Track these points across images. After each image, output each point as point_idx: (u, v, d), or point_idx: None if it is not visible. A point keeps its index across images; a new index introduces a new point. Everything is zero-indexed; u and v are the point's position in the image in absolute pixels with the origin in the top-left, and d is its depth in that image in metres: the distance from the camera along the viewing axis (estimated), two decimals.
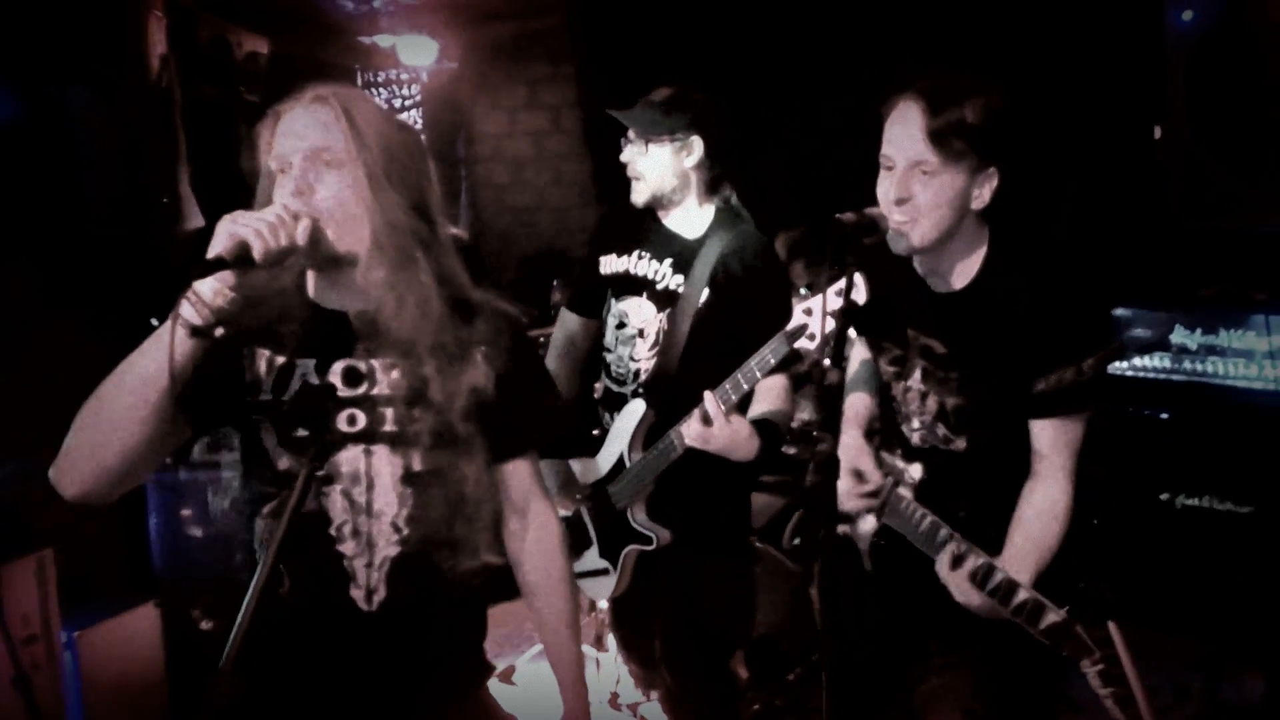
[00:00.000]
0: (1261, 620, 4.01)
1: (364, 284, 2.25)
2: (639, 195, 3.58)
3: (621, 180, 3.68)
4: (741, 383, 3.24)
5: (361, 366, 2.31)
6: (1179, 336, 4.55)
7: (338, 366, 2.30)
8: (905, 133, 2.64)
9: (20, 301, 4.81)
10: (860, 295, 2.62)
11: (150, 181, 5.34)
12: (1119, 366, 4.66)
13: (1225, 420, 4.40)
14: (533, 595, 2.62)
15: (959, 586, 2.65)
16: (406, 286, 2.25)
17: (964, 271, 2.78)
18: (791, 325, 2.85)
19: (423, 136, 5.57)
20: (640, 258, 3.66)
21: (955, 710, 2.89)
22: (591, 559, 3.66)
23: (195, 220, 5.43)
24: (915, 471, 2.91)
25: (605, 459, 3.64)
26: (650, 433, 3.55)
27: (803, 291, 2.85)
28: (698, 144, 3.52)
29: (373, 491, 2.31)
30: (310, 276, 2.32)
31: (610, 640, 4.47)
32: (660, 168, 3.52)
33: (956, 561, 2.65)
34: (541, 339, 4.26)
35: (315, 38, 6.91)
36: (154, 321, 4.60)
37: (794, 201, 5.28)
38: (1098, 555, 4.33)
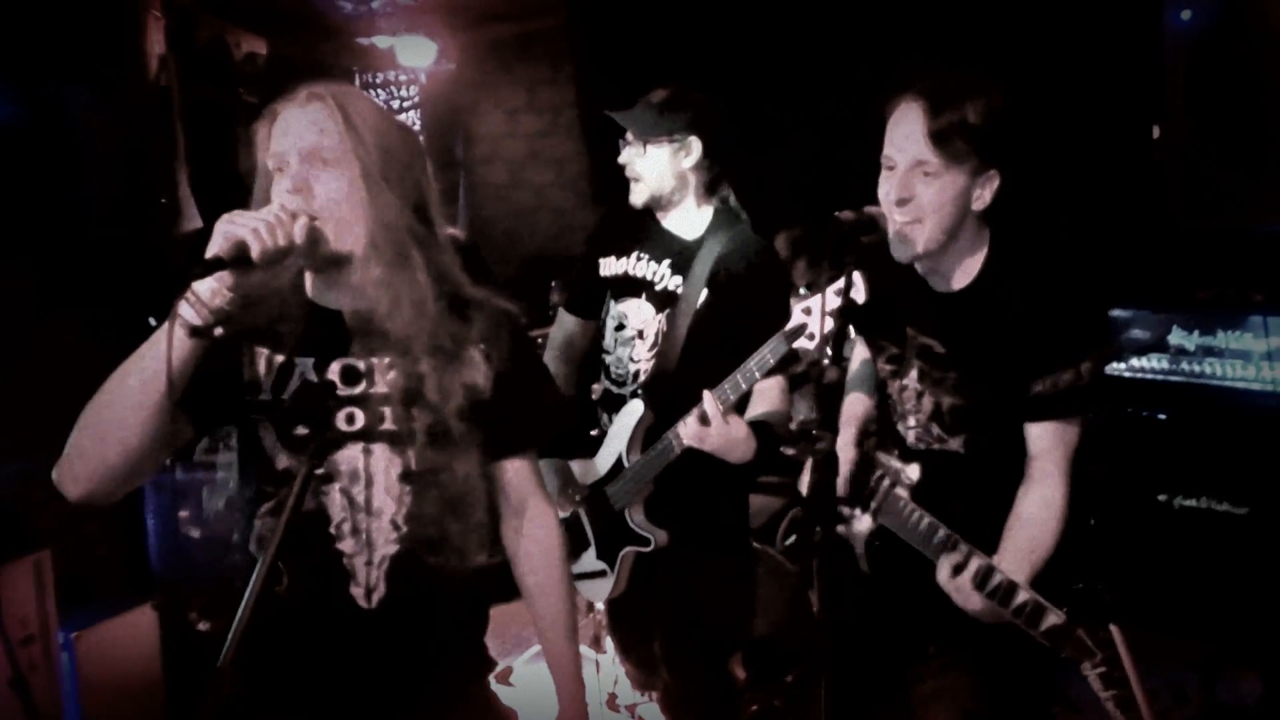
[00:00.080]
0: (1259, 621, 4.01)
1: (360, 283, 2.25)
2: (637, 196, 3.58)
3: (620, 182, 3.67)
4: (741, 383, 3.24)
5: (360, 365, 2.31)
6: (1177, 338, 4.55)
7: (336, 365, 2.30)
8: (907, 133, 2.65)
9: (20, 302, 4.81)
10: (860, 294, 2.62)
11: (149, 182, 5.34)
12: (1117, 367, 4.67)
13: (1223, 421, 4.40)
14: (530, 595, 2.61)
15: (960, 591, 2.65)
16: (402, 285, 2.25)
17: (965, 272, 2.78)
18: (791, 325, 2.86)
19: (421, 138, 5.56)
20: (639, 259, 3.66)
21: (953, 711, 2.89)
22: (589, 560, 3.66)
23: (194, 221, 5.43)
24: (912, 472, 2.90)
25: (603, 460, 3.64)
26: (649, 433, 3.55)
27: (802, 291, 2.86)
28: (696, 145, 3.52)
29: (372, 489, 2.31)
30: (308, 275, 2.32)
31: (608, 641, 4.47)
32: (659, 168, 3.52)
33: (957, 570, 2.65)
34: (540, 339, 4.26)
35: (314, 38, 6.92)
36: (153, 321, 4.61)
37: (793, 201, 5.28)
38: (1095, 556, 4.33)
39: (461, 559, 2.34)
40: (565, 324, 3.91)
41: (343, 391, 2.30)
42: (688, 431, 3.29)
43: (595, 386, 3.84)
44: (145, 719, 4.74)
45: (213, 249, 2.04)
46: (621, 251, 3.70)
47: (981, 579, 2.61)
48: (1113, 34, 4.79)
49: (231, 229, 2.05)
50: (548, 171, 8.21)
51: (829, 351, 2.45)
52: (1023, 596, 2.55)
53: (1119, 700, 2.49)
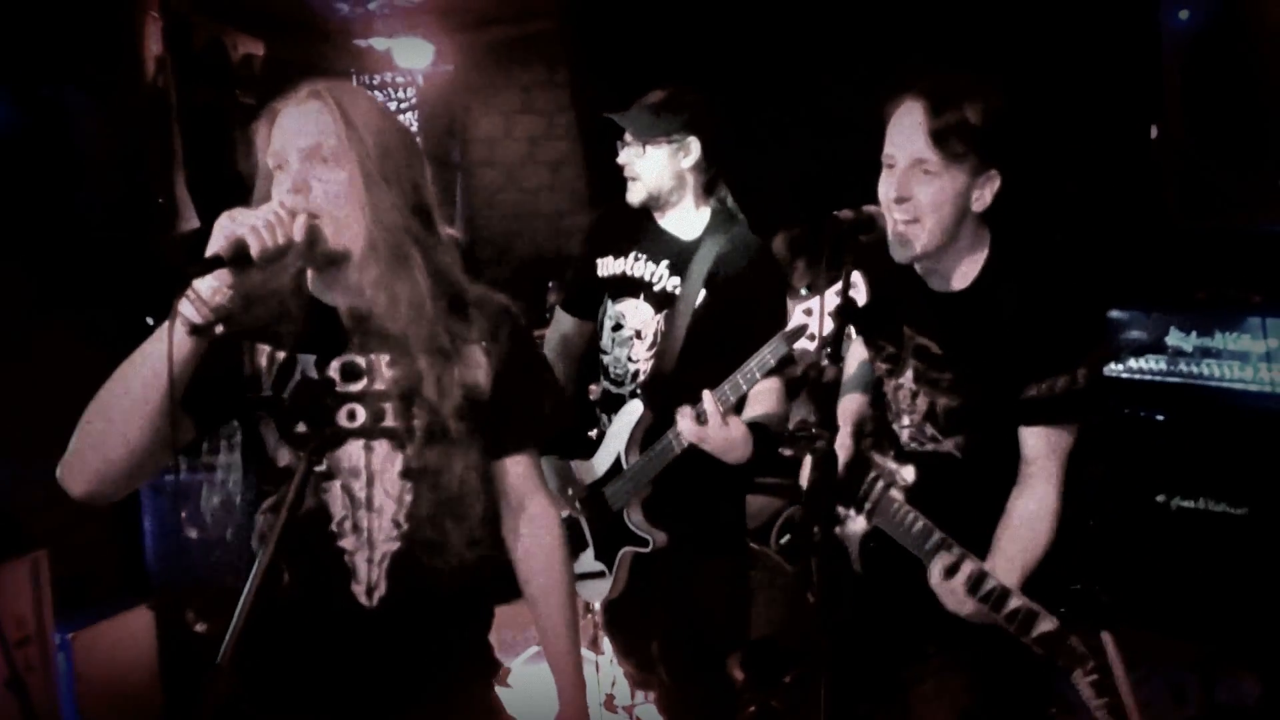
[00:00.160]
0: (1257, 621, 4.01)
1: (358, 281, 2.26)
2: (634, 195, 3.58)
3: (616, 184, 3.67)
4: (741, 383, 3.24)
5: (361, 362, 2.31)
6: (1175, 339, 4.55)
7: (337, 362, 2.31)
8: (907, 132, 2.65)
9: (17, 303, 4.81)
10: (860, 295, 2.62)
11: (146, 183, 5.34)
12: (1115, 368, 4.67)
13: (1221, 422, 4.41)
14: (532, 595, 2.61)
15: (952, 594, 2.64)
16: (400, 284, 2.25)
17: (964, 273, 2.78)
18: (791, 326, 2.86)
19: (418, 139, 5.56)
20: (637, 259, 3.66)
21: (950, 711, 2.89)
22: (587, 561, 3.65)
23: (191, 222, 5.43)
24: (907, 474, 2.90)
25: (602, 460, 3.63)
26: (648, 434, 3.55)
27: (803, 292, 2.86)
28: (695, 145, 3.52)
29: (373, 487, 2.31)
30: (310, 273, 2.32)
31: (605, 642, 4.47)
32: (658, 169, 3.52)
33: (949, 572, 2.64)
34: (537, 339, 4.26)
35: (311, 40, 6.92)
36: (150, 322, 4.61)
37: (790, 202, 5.28)
38: (1094, 557, 4.33)
39: (462, 557, 2.34)
40: (562, 324, 3.90)
41: (343, 388, 2.30)
42: (686, 429, 3.28)
43: (593, 387, 3.83)
44: None
45: (212, 247, 2.04)
46: (619, 252, 3.70)
47: (974, 584, 2.60)
48: (1110, 33, 4.79)
49: (231, 227, 2.05)
50: (544, 173, 8.21)
51: (828, 350, 2.44)
52: (1015, 603, 2.55)
53: (1110, 708, 2.49)
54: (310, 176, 2.20)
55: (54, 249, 4.97)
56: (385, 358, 2.30)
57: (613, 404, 3.67)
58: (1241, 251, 4.48)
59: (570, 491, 3.66)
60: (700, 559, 3.63)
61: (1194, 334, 4.50)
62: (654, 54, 5.85)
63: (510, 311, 2.47)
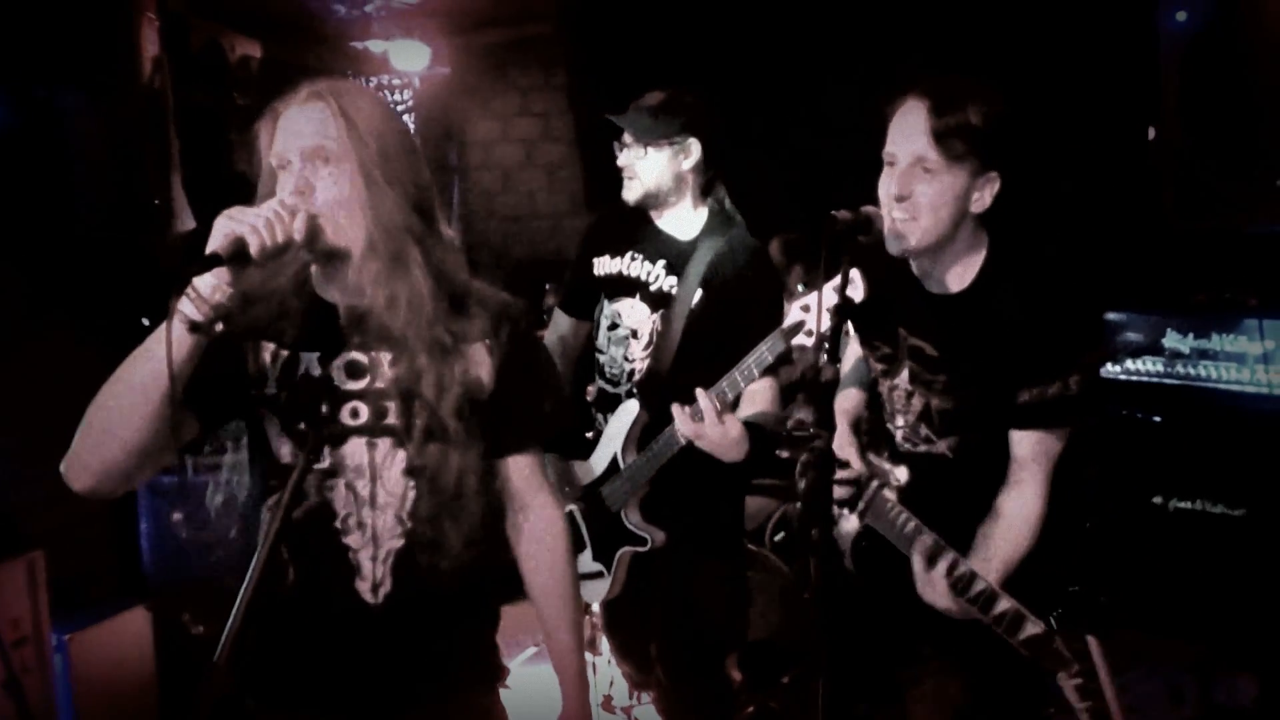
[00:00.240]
0: (1254, 622, 4.01)
1: (357, 279, 2.26)
2: (632, 193, 3.58)
3: (613, 186, 3.68)
4: (739, 380, 3.24)
5: (364, 360, 2.31)
6: (1172, 340, 4.55)
7: (341, 360, 2.31)
8: (909, 130, 2.65)
9: (13, 304, 4.80)
10: (857, 292, 2.62)
11: (142, 184, 5.33)
12: (1112, 370, 4.67)
13: (1218, 424, 4.41)
14: (535, 594, 2.60)
15: (933, 585, 2.65)
16: (399, 282, 2.26)
17: (961, 275, 2.78)
18: (788, 322, 2.86)
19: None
20: (634, 259, 3.66)
21: (948, 712, 2.90)
22: (585, 562, 3.65)
23: (187, 223, 5.42)
24: (900, 474, 2.91)
25: (599, 460, 3.63)
26: (644, 433, 3.55)
27: (799, 289, 2.86)
28: (695, 147, 3.53)
29: (376, 484, 2.31)
30: (314, 270, 2.33)
31: (604, 643, 4.47)
32: (658, 170, 3.53)
33: (930, 560, 2.65)
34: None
35: (308, 43, 6.91)
36: (146, 323, 4.60)
37: (788, 203, 5.28)
38: (1091, 558, 4.33)
39: (465, 555, 2.34)
40: (560, 325, 3.91)
41: (347, 386, 2.31)
42: (683, 426, 3.28)
43: (590, 388, 3.83)
44: None
45: (212, 245, 2.04)
46: (616, 251, 3.70)
47: (964, 584, 2.61)
48: (1107, 35, 4.79)
49: (231, 226, 2.06)
50: (541, 176, 8.21)
51: (826, 349, 2.44)
52: (1004, 605, 2.55)
53: (1094, 712, 2.49)
54: (312, 177, 2.20)
55: (50, 250, 4.96)
56: (387, 356, 2.31)
57: (608, 403, 3.68)
58: (1238, 253, 4.49)
59: (567, 491, 3.66)
60: (698, 559, 3.63)
61: (1191, 336, 4.50)
62: (651, 56, 5.86)
63: (513, 309, 2.47)
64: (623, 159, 3.58)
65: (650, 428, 3.53)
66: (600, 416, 3.71)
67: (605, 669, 4.68)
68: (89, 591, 4.90)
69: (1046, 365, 2.69)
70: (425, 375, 2.28)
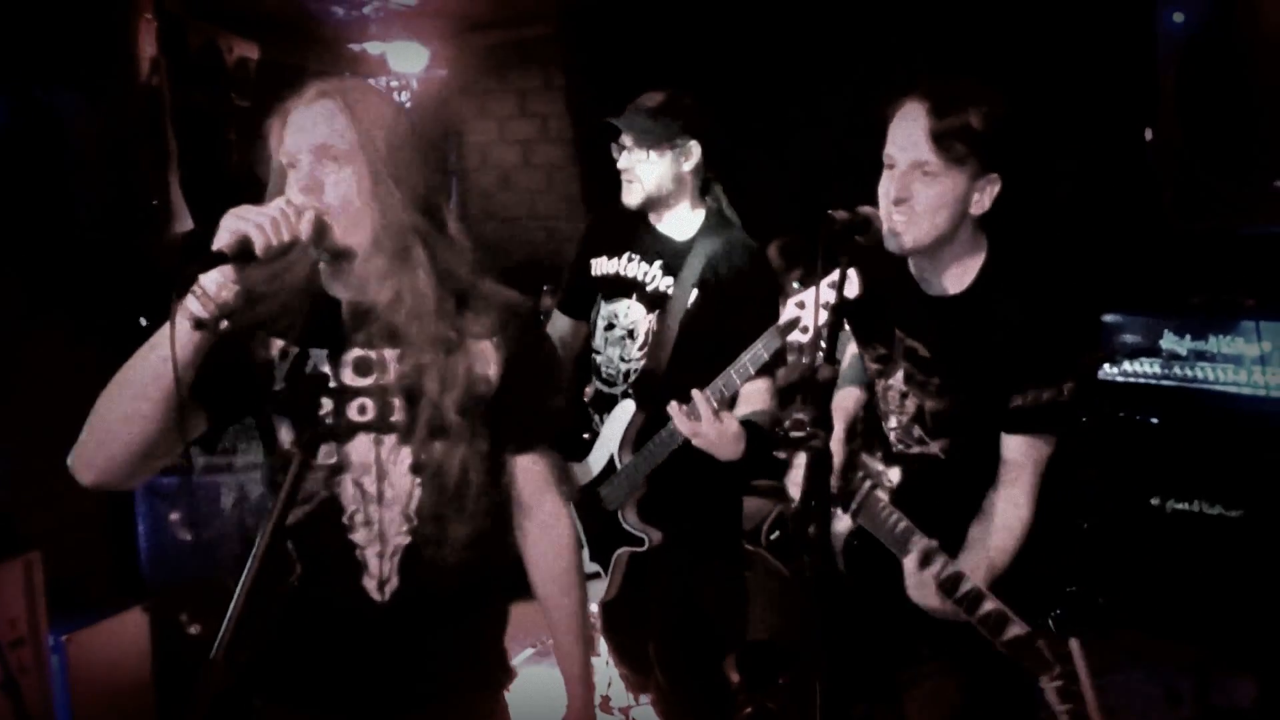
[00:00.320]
0: (1252, 624, 4.01)
1: (362, 276, 2.28)
2: (633, 197, 3.58)
3: (611, 188, 3.68)
4: (735, 377, 3.25)
5: (373, 356, 2.32)
6: (1169, 342, 4.55)
7: (349, 356, 2.32)
8: (909, 133, 2.65)
9: (10, 304, 4.80)
10: (852, 290, 2.62)
11: (140, 185, 5.33)
12: (1110, 372, 4.67)
13: (1215, 425, 4.41)
14: (541, 594, 2.61)
15: (922, 586, 2.65)
16: (403, 280, 2.27)
17: (959, 278, 2.78)
18: (784, 319, 2.86)
19: None
20: (630, 260, 3.67)
21: (944, 711, 2.90)
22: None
23: (185, 224, 5.42)
24: (893, 475, 2.91)
25: (596, 461, 3.64)
26: (640, 433, 3.55)
27: (795, 286, 2.86)
28: (695, 149, 3.54)
29: (383, 481, 2.32)
30: (322, 268, 2.34)
31: (601, 644, 4.47)
32: (659, 173, 3.53)
33: (924, 561, 2.65)
34: None
35: (306, 44, 6.90)
36: (144, 323, 4.60)
37: (785, 204, 5.29)
38: (1089, 559, 4.33)
39: (470, 553, 2.35)
40: (559, 326, 3.91)
41: (355, 382, 2.32)
42: (679, 424, 3.28)
43: (587, 389, 3.84)
44: None
45: (218, 243, 2.06)
46: (613, 252, 3.71)
47: (951, 585, 2.61)
48: (1105, 36, 4.80)
49: (237, 224, 2.07)
50: (539, 178, 8.19)
51: (823, 347, 2.44)
52: (988, 606, 2.56)
53: (1074, 714, 2.49)
54: (320, 174, 2.22)
55: (47, 251, 4.96)
56: (394, 353, 2.31)
57: (605, 404, 3.68)
58: (1236, 254, 4.49)
59: (565, 491, 3.66)
60: (696, 560, 3.64)
61: (1188, 337, 4.51)
62: (650, 58, 5.85)
63: (520, 307, 2.48)
64: (623, 162, 3.58)
65: (647, 428, 3.53)
66: (597, 417, 3.71)
67: (603, 669, 4.67)
68: (86, 592, 4.90)
69: (1041, 370, 2.70)
70: (429, 372, 2.29)
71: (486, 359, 2.38)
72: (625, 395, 3.63)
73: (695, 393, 3.24)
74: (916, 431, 2.89)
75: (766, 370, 3.33)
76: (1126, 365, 4.64)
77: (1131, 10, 4.54)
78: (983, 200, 2.69)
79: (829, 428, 2.40)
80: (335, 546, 2.31)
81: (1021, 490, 2.74)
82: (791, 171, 5.78)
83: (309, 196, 2.19)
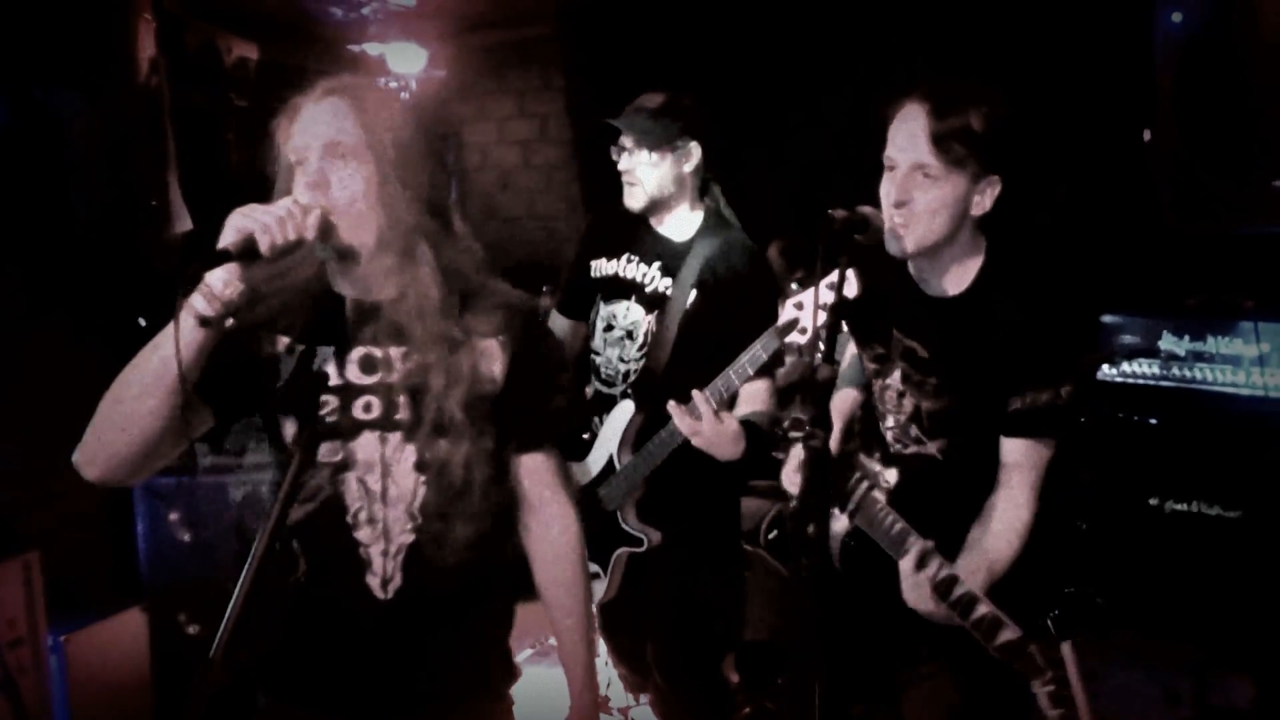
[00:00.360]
0: (1250, 624, 4.01)
1: (368, 274, 2.29)
2: (635, 200, 3.59)
3: (609, 189, 3.68)
4: (734, 378, 3.25)
5: (378, 354, 2.33)
6: (1167, 343, 4.55)
7: (355, 354, 2.33)
8: (909, 135, 2.65)
9: (8, 304, 4.80)
10: (851, 290, 2.62)
11: (138, 185, 5.33)
12: (1108, 372, 4.67)
13: (1213, 426, 4.41)
14: (546, 594, 2.61)
15: (917, 589, 2.65)
16: (408, 278, 2.29)
17: (958, 279, 2.78)
18: (782, 320, 2.86)
19: None
20: (629, 261, 3.67)
21: (942, 712, 2.90)
22: None
23: (183, 224, 5.41)
24: (890, 476, 2.91)
25: (595, 461, 3.64)
26: (640, 434, 3.56)
27: (793, 286, 2.86)
28: (696, 150, 3.55)
29: (388, 478, 2.33)
30: (329, 266, 2.35)
31: (600, 644, 4.47)
32: (660, 174, 3.54)
33: (920, 563, 2.65)
34: None
35: (304, 45, 6.90)
36: (142, 323, 4.60)
37: (784, 204, 5.29)
38: (1087, 560, 4.33)
39: (474, 552, 2.35)
40: (557, 326, 3.91)
41: (361, 380, 2.33)
42: (680, 423, 3.28)
43: (585, 390, 3.84)
44: None
45: (223, 242, 2.08)
46: (612, 253, 3.72)
47: (945, 588, 2.61)
48: (1103, 37, 4.79)
49: (242, 223, 2.10)
50: (538, 178, 8.19)
51: (821, 348, 2.44)
52: (982, 609, 2.55)
53: None
54: (328, 171, 2.23)
55: (46, 250, 4.96)
56: (399, 351, 2.33)
57: (604, 404, 3.68)
58: (1234, 255, 4.49)
59: None
60: (694, 560, 3.64)
61: (1186, 338, 4.50)
62: (649, 58, 5.85)
63: (526, 307, 2.49)
64: (624, 164, 3.59)
65: (646, 429, 3.53)
66: (596, 418, 3.71)
67: (602, 670, 4.67)
68: (85, 592, 4.90)
69: (1039, 373, 2.70)
70: (435, 370, 2.30)
71: (492, 357, 2.39)
72: (624, 396, 3.63)
73: (695, 393, 3.24)
74: (914, 431, 2.89)
75: (765, 371, 3.34)
76: (1125, 366, 4.64)
77: (1129, 11, 4.53)
78: (983, 202, 2.69)
79: (828, 427, 2.40)
80: (339, 544, 2.32)
81: (1021, 494, 2.74)
82: (791, 172, 5.78)
83: (316, 193, 2.21)
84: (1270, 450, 4.19)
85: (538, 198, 8.22)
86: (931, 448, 2.87)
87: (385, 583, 2.32)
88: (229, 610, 1.87)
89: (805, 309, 2.79)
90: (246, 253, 2.07)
